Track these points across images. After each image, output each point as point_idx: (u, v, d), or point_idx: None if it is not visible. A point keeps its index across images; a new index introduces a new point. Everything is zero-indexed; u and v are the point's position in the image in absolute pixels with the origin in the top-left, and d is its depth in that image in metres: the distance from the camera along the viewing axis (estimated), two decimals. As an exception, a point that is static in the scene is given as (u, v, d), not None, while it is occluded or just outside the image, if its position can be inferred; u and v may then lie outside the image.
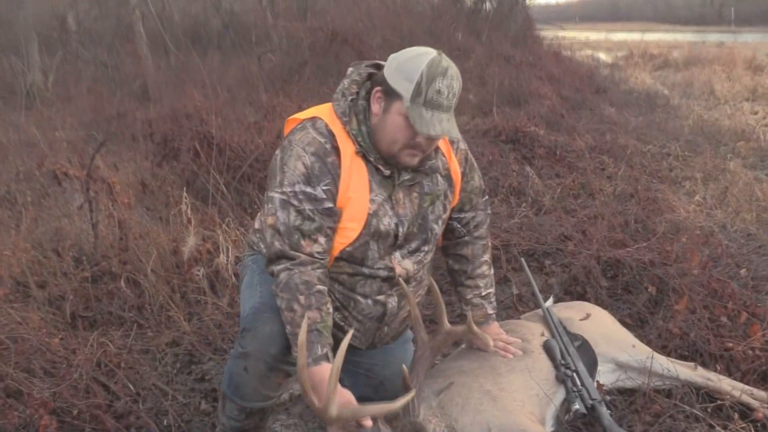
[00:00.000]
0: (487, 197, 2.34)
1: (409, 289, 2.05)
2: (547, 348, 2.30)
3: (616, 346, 2.44)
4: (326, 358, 1.87)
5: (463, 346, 2.38)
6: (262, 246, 2.13)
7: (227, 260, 3.52)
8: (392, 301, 2.14)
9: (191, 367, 2.89)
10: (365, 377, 2.35)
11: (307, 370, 1.75)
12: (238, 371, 2.01)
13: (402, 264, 2.10)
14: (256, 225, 2.26)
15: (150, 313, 3.18)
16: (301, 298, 1.91)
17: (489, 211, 2.35)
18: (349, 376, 2.31)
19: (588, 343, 2.37)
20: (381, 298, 2.11)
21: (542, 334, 2.37)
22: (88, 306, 3.19)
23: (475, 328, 1.94)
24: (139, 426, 2.40)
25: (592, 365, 2.30)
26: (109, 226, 3.67)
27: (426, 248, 2.15)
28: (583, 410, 2.12)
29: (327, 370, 1.79)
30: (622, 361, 2.42)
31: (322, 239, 1.97)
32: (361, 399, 2.34)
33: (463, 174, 2.20)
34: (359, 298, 2.10)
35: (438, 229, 2.17)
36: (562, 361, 2.24)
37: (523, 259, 2.77)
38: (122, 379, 2.59)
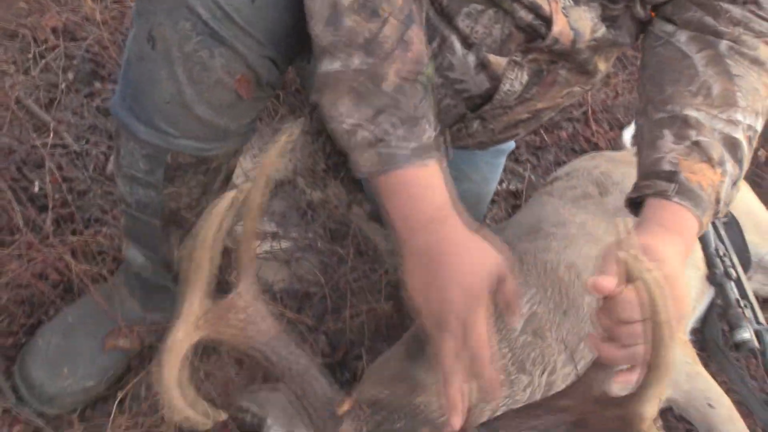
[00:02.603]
0: None
1: None
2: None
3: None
4: (434, 147, 0.84)
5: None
6: None
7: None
8: (516, 78, 1.04)
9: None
10: None
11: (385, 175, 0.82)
12: (137, 51, 0.91)
13: (569, 12, 0.97)
14: None
15: None
16: None
17: None
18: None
19: (738, 224, 1.52)
20: (498, 62, 1.01)
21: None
22: None
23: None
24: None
25: (746, 262, 1.47)
26: None
27: None
28: (755, 342, 1.29)
29: (437, 176, 0.84)
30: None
31: None
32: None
33: None
34: (455, 41, 0.99)
35: None
36: (720, 252, 1.38)
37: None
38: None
